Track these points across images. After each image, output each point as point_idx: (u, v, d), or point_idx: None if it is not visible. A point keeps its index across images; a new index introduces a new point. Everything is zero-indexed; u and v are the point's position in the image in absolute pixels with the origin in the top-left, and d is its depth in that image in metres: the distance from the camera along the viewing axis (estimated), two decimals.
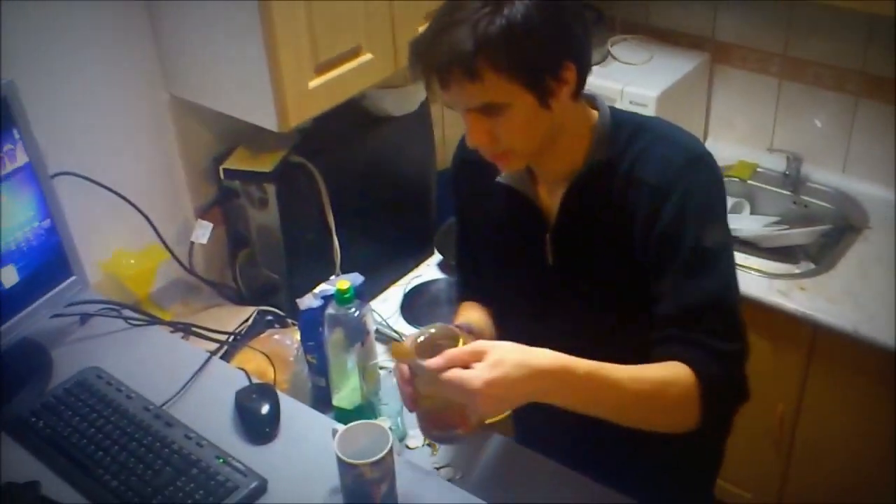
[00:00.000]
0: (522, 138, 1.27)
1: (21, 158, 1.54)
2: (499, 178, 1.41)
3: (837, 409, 2.31)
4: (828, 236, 2.49)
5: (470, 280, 1.64)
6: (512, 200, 1.41)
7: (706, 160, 1.31)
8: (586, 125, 1.33)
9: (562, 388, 1.17)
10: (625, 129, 1.33)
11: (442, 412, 1.22)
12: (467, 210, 1.57)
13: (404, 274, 2.36)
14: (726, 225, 1.34)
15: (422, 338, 1.25)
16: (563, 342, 1.21)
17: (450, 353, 1.15)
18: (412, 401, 1.24)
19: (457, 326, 1.40)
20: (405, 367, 1.23)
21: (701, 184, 1.29)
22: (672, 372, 1.24)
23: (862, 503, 2.37)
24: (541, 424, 1.62)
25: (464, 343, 1.21)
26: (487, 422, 1.23)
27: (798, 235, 2.49)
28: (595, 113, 1.35)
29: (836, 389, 2.29)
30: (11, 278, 1.56)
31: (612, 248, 1.34)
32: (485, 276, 1.58)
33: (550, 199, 1.39)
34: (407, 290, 2.29)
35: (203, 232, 2.06)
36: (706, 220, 1.29)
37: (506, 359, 1.14)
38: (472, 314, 1.56)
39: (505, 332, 1.50)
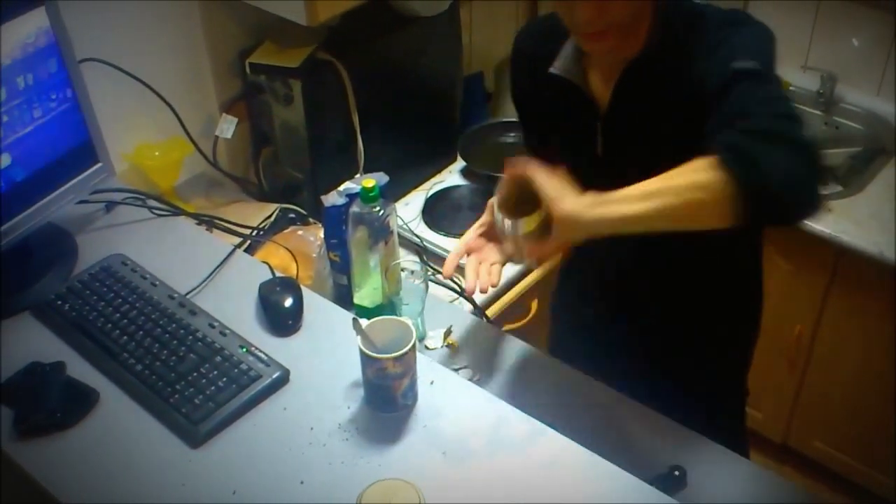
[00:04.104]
0: (631, 7, 1.26)
1: (48, 40, 1.51)
2: (551, 69, 1.40)
3: (855, 332, 2.31)
4: (857, 159, 2.45)
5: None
6: (564, 91, 1.41)
7: (750, 21, 1.31)
8: (648, 12, 1.32)
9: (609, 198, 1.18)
10: (681, 18, 1.32)
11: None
12: (523, 100, 1.58)
13: (427, 178, 2.34)
14: (775, 73, 1.28)
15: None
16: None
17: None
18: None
19: None
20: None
21: (743, 35, 1.28)
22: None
23: (874, 429, 2.39)
24: (575, 337, 1.63)
25: (542, 208, 1.23)
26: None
27: (827, 157, 2.46)
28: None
29: (855, 313, 2.29)
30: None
31: (662, 140, 1.32)
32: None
33: (603, 88, 1.39)
34: (429, 195, 2.27)
35: (228, 126, 2.04)
36: (751, 57, 1.24)
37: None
38: None
39: None
